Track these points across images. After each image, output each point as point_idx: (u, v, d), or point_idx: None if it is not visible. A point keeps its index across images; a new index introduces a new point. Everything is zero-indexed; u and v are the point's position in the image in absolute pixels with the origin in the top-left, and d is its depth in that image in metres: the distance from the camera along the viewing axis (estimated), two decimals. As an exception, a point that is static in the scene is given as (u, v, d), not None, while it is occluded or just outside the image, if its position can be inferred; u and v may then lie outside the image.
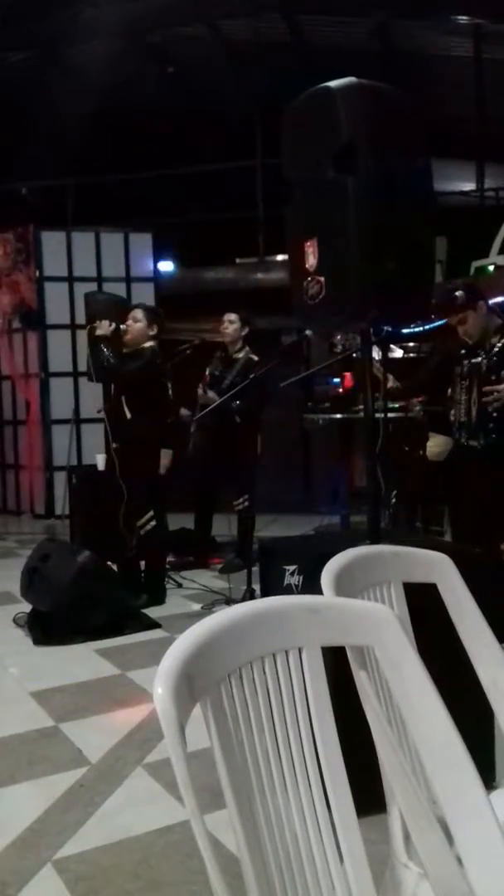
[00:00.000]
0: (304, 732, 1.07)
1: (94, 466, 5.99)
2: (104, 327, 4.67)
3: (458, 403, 4.01)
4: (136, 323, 4.76)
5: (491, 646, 1.48)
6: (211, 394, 5.37)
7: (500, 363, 3.82)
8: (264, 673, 1.04)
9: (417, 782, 1.25)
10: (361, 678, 1.18)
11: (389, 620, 1.19)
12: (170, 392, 4.91)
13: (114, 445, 4.81)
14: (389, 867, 1.32)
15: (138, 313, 4.82)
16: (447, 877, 1.16)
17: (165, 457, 4.88)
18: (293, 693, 1.07)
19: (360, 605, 1.25)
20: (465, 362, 3.99)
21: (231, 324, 5.55)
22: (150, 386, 4.69)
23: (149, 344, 4.76)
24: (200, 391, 5.48)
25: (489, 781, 2.14)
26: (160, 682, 0.88)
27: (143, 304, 5.20)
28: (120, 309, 5.12)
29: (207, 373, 5.60)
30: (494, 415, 3.80)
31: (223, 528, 5.63)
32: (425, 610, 1.51)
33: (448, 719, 1.17)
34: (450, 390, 4.11)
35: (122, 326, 4.73)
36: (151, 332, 4.78)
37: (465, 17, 8.21)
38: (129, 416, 4.68)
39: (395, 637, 1.19)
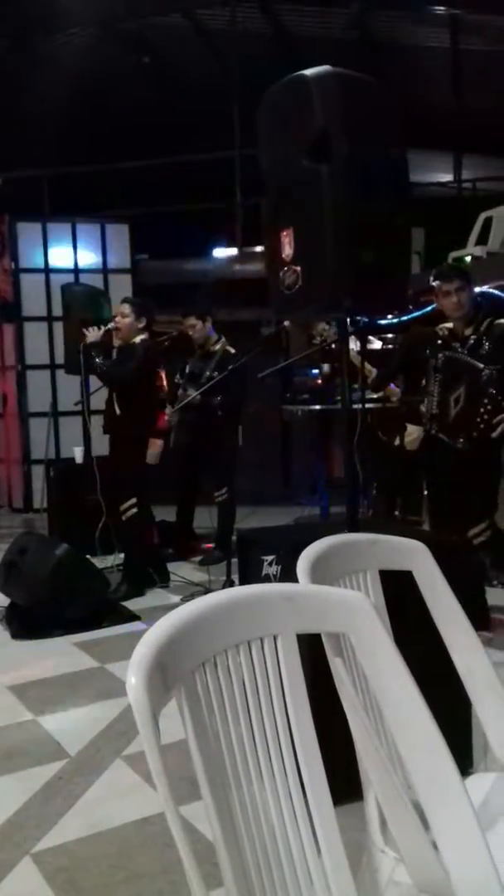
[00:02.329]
0: (280, 721, 1.07)
1: (72, 459, 5.95)
2: (94, 334, 4.66)
3: (431, 396, 3.97)
4: (125, 318, 4.71)
5: (466, 632, 1.49)
6: (191, 391, 5.35)
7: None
8: (239, 661, 1.04)
9: (394, 769, 1.26)
10: (337, 665, 1.18)
11: (365, 608, 1.19)
12: (164, 382, 4.90)
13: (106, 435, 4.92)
14: (366, 853, 1.33)
15: (126, 308, 4.76)
16: (423, 862, 1.17)
17: (154, 446, 4.82)
18: (268, 681, 1.07)
19: (336, 592, 1.25)
20: (440, 355, 3.94)
21: (193, 327, 5.55)
22: (140, 383, 4.68)
23: (139, 338, 4.73)
24: (181, 392, 5.46)
25: (465, 767, 2.16)
26: (133, 671, 0.88)
27: (129, 298, 5.14)
28: (97, 301, 5.08)
29: (188, 370, 5.57)
30: (481, 426, 3.78)
31: (204, 520, 5.62)
32: (401, 597, 1.51)
33: (424, 706, 1.17)
34: (423, 381, 4.08)
35: (110, 326, 4.73)
36: (140, 325, 4.73)
37: (441, 8, 8.22)
38: (118, 412, 4.69)
39: (371, 624, 1.19)
